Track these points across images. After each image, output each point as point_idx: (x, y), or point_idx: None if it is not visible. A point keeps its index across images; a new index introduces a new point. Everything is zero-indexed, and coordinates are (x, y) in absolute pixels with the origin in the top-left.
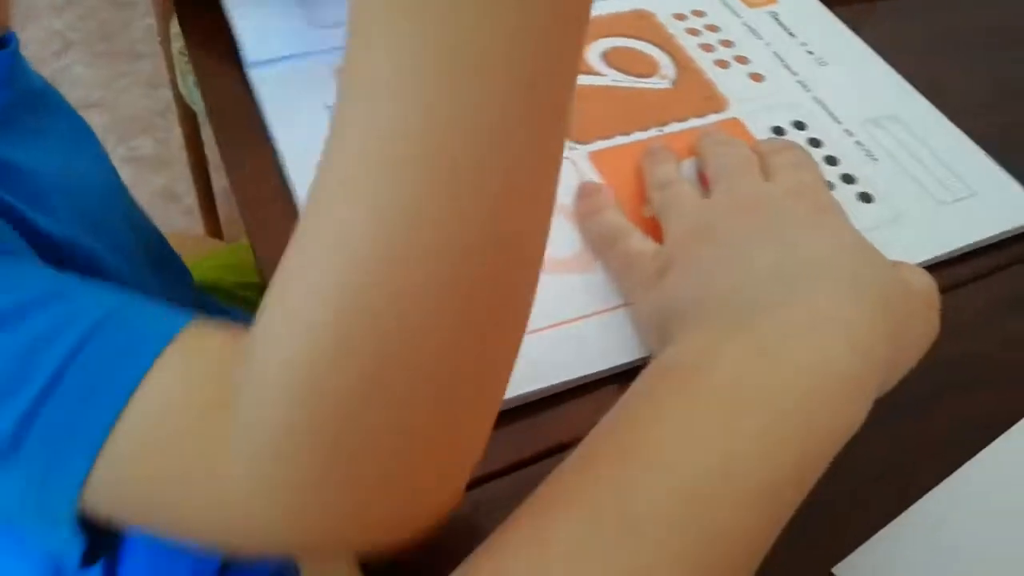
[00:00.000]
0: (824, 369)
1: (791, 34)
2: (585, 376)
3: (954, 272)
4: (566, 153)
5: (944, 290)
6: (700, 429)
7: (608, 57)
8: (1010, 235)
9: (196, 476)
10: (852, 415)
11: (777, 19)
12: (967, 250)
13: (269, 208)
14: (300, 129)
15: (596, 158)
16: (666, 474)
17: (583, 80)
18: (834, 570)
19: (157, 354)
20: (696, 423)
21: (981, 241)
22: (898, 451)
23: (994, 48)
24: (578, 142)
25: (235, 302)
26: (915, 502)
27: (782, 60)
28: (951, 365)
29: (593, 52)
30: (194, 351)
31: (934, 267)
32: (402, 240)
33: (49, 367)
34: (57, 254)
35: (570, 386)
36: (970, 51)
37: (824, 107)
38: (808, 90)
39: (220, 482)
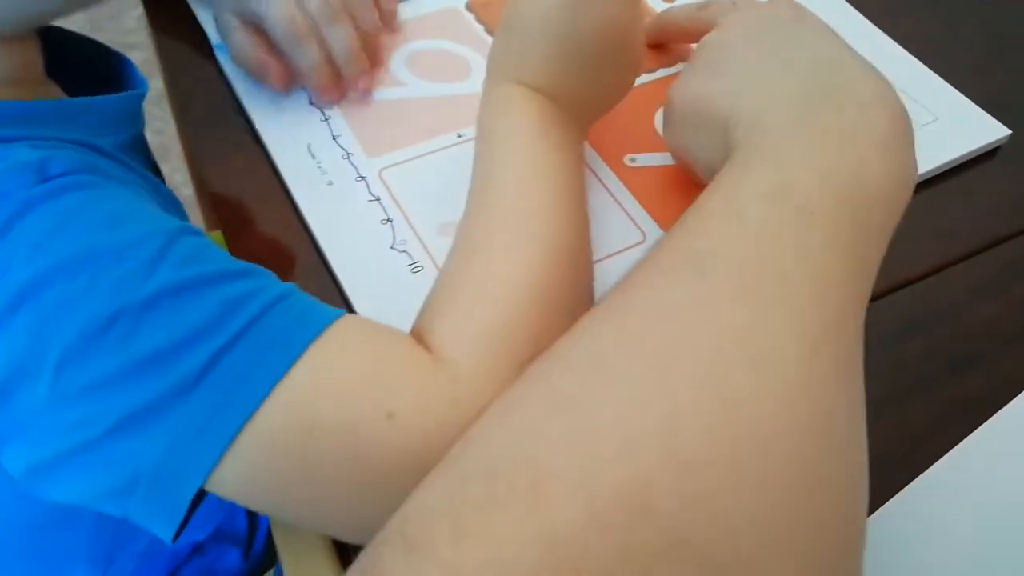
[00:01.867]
0: (882, 145)
1: None
2: None
3: (935, 253)
4: None
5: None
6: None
7: None
8: (976, 154)
9: (406, 394)
10: (911, 174)
11: None
12: (936, 172)
13: (239, 197)
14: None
15: None
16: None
17: None
18: None
19: (331, 320)
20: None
21: (950, 162)
22: (886, 439)
23: (986, 4)
24: None
25: None
26: (904, 487)
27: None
28: (940, 351)
29: None
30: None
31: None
32: None
33: (242, 319)
34: None
35: None
36: (962, 10)
37: None
38: None
39: (441, 388)
